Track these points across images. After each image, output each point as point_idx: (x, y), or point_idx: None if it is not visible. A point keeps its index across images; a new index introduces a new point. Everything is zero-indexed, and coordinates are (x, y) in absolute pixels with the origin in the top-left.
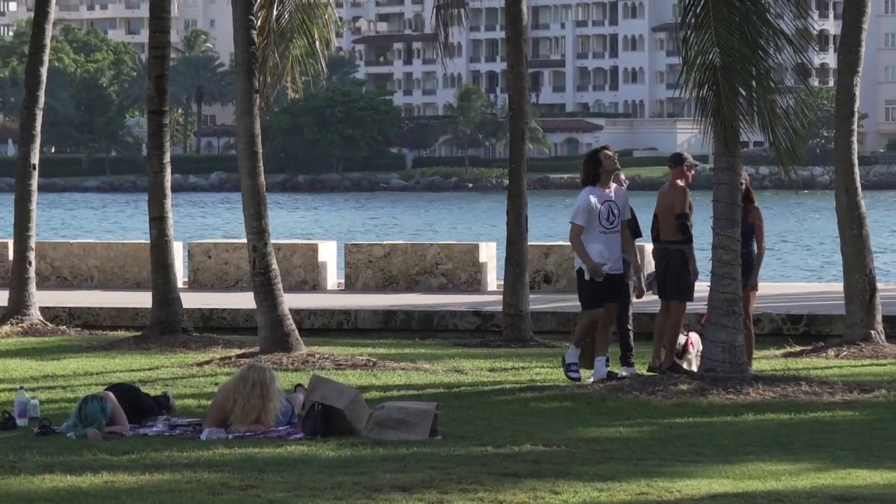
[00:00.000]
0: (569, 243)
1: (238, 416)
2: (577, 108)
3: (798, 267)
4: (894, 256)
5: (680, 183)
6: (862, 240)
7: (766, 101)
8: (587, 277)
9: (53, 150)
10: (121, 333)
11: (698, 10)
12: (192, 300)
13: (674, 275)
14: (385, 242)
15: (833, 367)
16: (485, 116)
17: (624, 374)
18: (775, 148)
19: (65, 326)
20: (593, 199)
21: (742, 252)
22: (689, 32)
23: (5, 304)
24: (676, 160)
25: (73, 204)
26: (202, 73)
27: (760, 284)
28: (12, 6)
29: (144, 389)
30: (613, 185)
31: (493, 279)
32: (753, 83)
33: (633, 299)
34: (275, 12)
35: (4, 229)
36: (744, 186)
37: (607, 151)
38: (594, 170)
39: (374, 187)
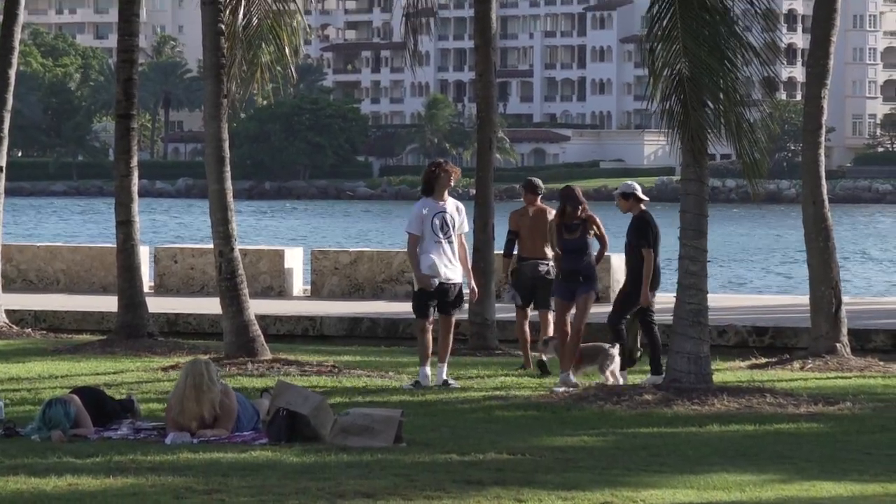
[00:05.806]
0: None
1: (175, 409)
2: (544, 119)
3: (764, 278)
4: (860, 270)
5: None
6: (828, 252)
7: (732, 113)
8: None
9: (20, 154)
10: (86, 337)
11: (665, 23)
12: (157, 305)
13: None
14: (351, 250)
15: (798, 379)
16: (452, 125)
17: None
18: (742, 160)
19: (30, 329)
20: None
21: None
22: (656, 44)
23: None
24: (535, 188)
25: (40, 208)
26: (170, 79)
27: (728, 296)
28: None
29: (109, 393)
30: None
31: None
32: (721, 95)
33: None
34: (242, 17)
35: None
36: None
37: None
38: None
39: (340, 195)
